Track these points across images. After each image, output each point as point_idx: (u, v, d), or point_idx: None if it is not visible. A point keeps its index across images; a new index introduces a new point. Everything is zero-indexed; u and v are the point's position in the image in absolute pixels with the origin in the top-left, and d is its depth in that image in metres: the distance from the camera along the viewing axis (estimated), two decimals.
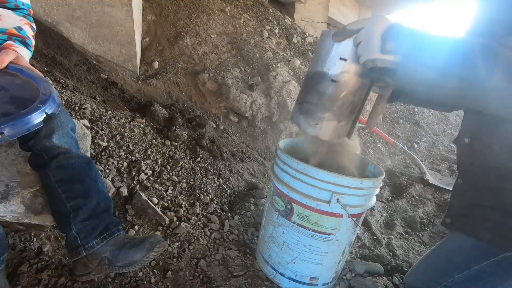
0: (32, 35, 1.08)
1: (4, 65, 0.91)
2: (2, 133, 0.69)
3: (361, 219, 1.11)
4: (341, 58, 0.75)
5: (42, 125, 0.79)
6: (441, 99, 0.70)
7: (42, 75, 0.95)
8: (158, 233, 1.27)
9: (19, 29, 1.02)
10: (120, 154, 1.53)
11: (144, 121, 1.90)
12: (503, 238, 0.89)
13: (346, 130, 0.85)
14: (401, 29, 0.67)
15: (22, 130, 0.74)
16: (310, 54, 3.60)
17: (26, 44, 1.02)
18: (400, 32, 0.67)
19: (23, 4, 1.08)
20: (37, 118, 0.78)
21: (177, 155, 1.76)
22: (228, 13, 3.40)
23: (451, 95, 0.68)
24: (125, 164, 1.50)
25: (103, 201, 0.98)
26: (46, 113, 0.80)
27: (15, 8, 1.06)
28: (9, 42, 0.97)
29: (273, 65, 2.99)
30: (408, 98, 1.02)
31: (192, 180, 1.65)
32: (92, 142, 1.48)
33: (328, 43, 0.77)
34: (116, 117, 1.77)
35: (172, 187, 1.53)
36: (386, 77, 0.70)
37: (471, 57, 0.63)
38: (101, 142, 1.51)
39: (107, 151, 1.50)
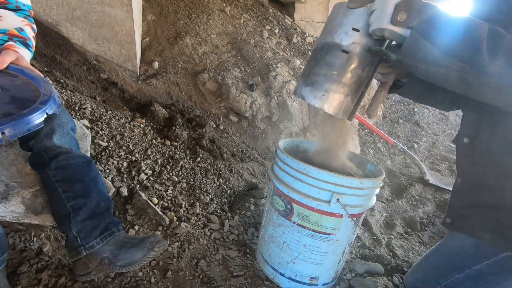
0: (33, 36, 1.08)
1: (5, 65, 0.92)
2: (3, 133, 0.69)
3: (361, 219, 1.12)
4: (353, 28, 0.74)
5: (43, 125, 0.79)
6: (441, 80, 0.70)
7: (42, 75, 0.96)
8: (158, 233, 1.27)
9: (20, 30, 1.02)
10: (120, 154, 1.53)
11: (144, 121, 1.90)
12: (503, 238, 0.89)
13: (350, 108, 0.82)
14: (416, 2, 0.66)
15: (23, 130, 0.74)
16: (310, 54, 3.60)
17: (27, 45, 1.02)
18: (414, 4, 0.66)
19: (24, 5, 1.08)
20: (38, 118, 0.78)
21: (177, 155, 1.77)
22: (228, 13, 3.40)
23: (451, 77, 0.67)
24: (125, 164, 1.50)
25: (103, 201, 0.98)
26: (47, 113, 0.81)
27: (16, 9, 1.07)
28: (10, 42, 0.98)
29: (273, 65, 2.99)
30: (408, 90, 1.01)
31: (192, 180, 1.65)
32: (92, 142, 1.48)
33: (342, 13, 0.76)
34: (116, 117, 1.77)
35: (172, 187, 1.53)
36: (392, 51, 0.70)
37: (477, 39, 0.63)
38: (101, 142, 1.51)
39: (107, 151, 1.50)
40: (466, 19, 0.66)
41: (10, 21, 1.03)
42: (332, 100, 0.79)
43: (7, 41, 0.98)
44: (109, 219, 0.98)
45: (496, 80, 0.63)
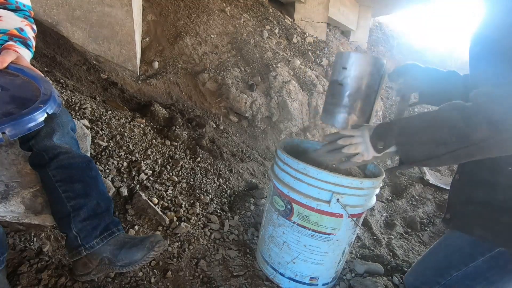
0: (33, 36, 1.08)
1: (5, 65, 0.92)
2: (4, 132, 0.69)
3: (361, 219, 1.12)
4: (343, 68, 1.00)
5: (43, 125, 0.79)
6: (443, 163, 0.80)
7: (42, 75, 0.96)
8: (158, 233, 1.27)
9: (20, 30, 1.02)
10: (120, 154, 1.53)
11: (144, 121, 1.90)
12: (494, 234, 0.90)
13: (360, 122, 1.02)
14: (381, 128, 0.82)
15: (23, 130, 0.74)
16: (310, 54, 3.60)
17: (27, 45, 1.02)
18: (382, 131, 0.82)
19: (24, 5, 1.08)
20: (38, 118, 0.78)
21: (177, 155, 1.77)
22: (228, 13, 3.40)
23: (448, 157, 0.76)
24: (125, 164, 1.50)
25: (103, 201, 0.98)
26: (47, 113, 0.81)
27: (16, 10, 1.07)
28: (10, 42, 0.98)
29: (273, 65, 2.99)
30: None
31: (192, 180, 1.65)
32: (92, 142, 1.48)
33: (338, 62, 1.02)
34: (116, 117, 1.77)
35: (172, 187, 1.53)
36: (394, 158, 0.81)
37: (452, 121, 0.72)
38: (101, 142, 1.51)
39: (107, 151, 1.50)
40: (433, 112, 0.77)
41: (10, 21, 1.03)
42: (338, 118, 1.04)
43: (7, 41, 0.98)
44: (109, 219, 0.98)
45: (484, 143, 0.69)
